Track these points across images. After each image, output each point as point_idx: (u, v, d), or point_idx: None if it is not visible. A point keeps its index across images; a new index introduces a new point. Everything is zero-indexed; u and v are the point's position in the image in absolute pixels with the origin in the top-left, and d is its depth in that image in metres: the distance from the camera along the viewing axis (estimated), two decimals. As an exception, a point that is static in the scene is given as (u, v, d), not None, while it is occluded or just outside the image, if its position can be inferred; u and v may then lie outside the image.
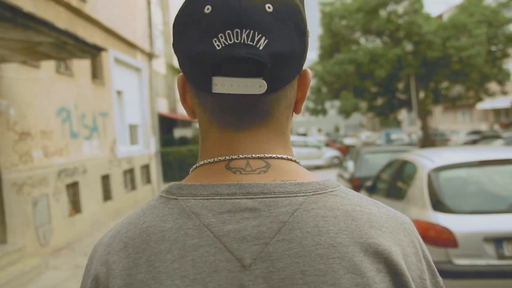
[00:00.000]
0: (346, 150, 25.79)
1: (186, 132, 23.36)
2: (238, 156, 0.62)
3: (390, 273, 0.58)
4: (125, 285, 0.57)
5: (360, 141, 40.84)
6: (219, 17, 0.58)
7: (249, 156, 0.62)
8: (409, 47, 25.18)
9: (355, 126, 64.10)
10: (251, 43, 0.57)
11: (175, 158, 18.38)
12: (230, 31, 0.57)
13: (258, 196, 0.59)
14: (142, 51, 12.40)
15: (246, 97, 0.60)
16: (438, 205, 3.71)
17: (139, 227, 0.61)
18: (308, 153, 21.62)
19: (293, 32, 0.61)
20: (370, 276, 0.56)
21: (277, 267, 0.55)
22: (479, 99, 28.03)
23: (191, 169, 0.69)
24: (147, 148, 12.24)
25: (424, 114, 27.54)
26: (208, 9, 0.58)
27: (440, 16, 32.95)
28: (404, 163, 4.86)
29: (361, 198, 0.65)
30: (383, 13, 26.11)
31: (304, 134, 59.64)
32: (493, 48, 25.39)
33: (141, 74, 12.41)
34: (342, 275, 0.55)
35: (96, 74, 9.52)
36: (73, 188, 7.81)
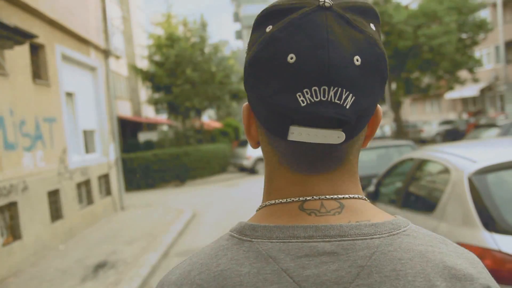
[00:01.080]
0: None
1: (152, 136, 21.93)
2: (312, 198, 0.60)
3: None
4: None
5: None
6: (305, 70, 0.54)
7: (323, 197, 0.60)
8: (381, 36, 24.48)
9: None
10: (338, 102, 0.54)
11: (140, 164, 17.01)
12: (317, 88, 0.54)
13: (335, 239, 0.57)
14: (97, 47, 11.02)
15: (321, 144, 0.58)
16: (491, 222, 2.68)
17: (213, 270, 0.59)
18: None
19: (377, 82, 0.58)
20: None
21: None
22: (450, 88, 27.75)
23: (258, 207, 0.66)
24: (105, 156, 10.89)
25: (396, 106, 27.02)
26: (291, 58, 0.54)
27: (409, 6, 32.56)
28: (424, 163, 3.83)
29: (430, 236, 0.63)
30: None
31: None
32: (463, 35, 25.07)
33: (96, 73, 11.04)
34: None
35: (39, 73, 8.15)
36: (9, 211, 6.46)
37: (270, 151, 0.63)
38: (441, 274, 0.58)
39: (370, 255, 0.56)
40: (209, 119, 38.68)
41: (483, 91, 34.70)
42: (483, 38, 25.99)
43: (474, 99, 37.42)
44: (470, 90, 34.03)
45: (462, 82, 26.75)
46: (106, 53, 11.57)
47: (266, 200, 0.65)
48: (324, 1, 0.56)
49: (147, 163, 17.12)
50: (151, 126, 28.79)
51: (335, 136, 0.56)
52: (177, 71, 19.91)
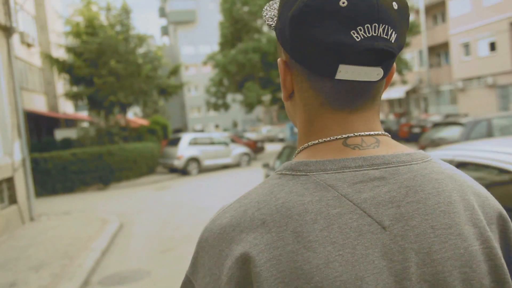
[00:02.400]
0: (254, 146, 23.89)
1: (70, 133, 19.55)
2: (353, 134, 0.68)
3: (498, 224, 0.70)
4: (273, 258, 0.59)
5: (262, 136, 39.55)
6: (357, 11, 0.62)
7: (362, 133, 0.68)
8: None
9: (253, 121, 63.19)
10: (386, 37, 0.63)
11: (56, 165, 14.87)
12: (369, 25, 0.62)
13: (382, 167, 0.65)
14: (-5, 24, 9.02)
15: (360, 82, 0.66)
16: None
17: (274, 204, 0.63)
18: (214, 151, 19.25)
19: (405, 27, 0.68)
20: (482, 226, 0.66)
21: (411, 225, 0.62)
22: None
23: (300, 148, 0.73)
24: (8, 156, 8.92)
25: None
26: (343, 3, 0.62)
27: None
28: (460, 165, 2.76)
29: (446, 163, 0.74)
30: None
31: (202, 131, 57.25)
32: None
33: (-4, 56, 9.04)
34: (463, 226, 0.64)
35: None
36: None
37: (312, 95, 0.70)
38: (468, 190, 0.69)
39: (413, 177, 0.66)
40: (134, 116, 36.28)
41: (408, 93, 35.76)
42: (408, 42, 26.43)
43: (400, 101, 38.51)
44: (396, 92, 34.87)
45: (392, 84, 27.02)
46: (7, 30, 9.54)
47: (306, 141, 0.72)
48: None
49: (65, 163, 15.02)
50: (70, 122, 26.16)
51: (375, 74, 0.65)
52: (99, 62, 17.85)
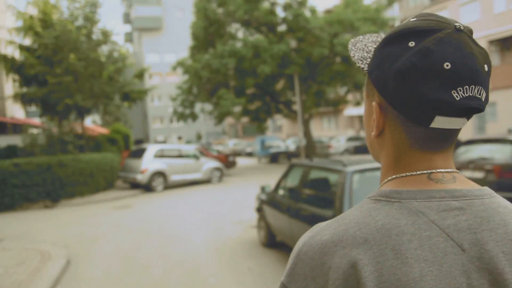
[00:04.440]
0: (225, 160, 21.90)
1: (17, 140, 16.89)
2: (436, 170, 0.80)
3: None
4: (376, 270, 0.69)
5: (228, 149, 37.58)
6: (459, 74, 0.72)
7: (443, 170, 0.80)
8: (293, 43, 22.47)
9: (218, 134, 61.14)
10: (479, 96, 0.74)
11: (-7, 177, 12.40)
12: (467, 86, 0.72)
13: (460, 199, 0.77)
14: None
15: (448, 129, 0.78)
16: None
17: (374, 225, 0.74)
18: (183, 165, 17.15)
19: (489, 84, 0.78)
20: None
21: (485, 249, 0.72)
22: (358, 103, 26.76)
23: (387, 179, 0.84)
24: None
25: (306, 119, 25.17)
26: (447, 65, 0.72)
27: (326, 12, 31.29)
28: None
29: (506, 200, 0.83)
30: (266, 4, 23.04)
31: (164, 142, 54.63)
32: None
33: None
34: None
35: None
36: None
37: (403, 137, 0.80)
38: None
39: (485, 209, 0.76)
40: (93, 124, 33.50)
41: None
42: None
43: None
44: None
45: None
46: None
47: (393, 173, 0.83)
48: (460, 25, 0.75)
49: (4, 175, 12.55)
50: (20, 129, 23.35)
51: (461, 123, 0.76)
52: (55, 59, 15.51)
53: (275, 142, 31.25)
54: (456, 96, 0.72)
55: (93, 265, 6.63)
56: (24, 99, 17.21)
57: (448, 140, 0.80)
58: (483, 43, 26.10)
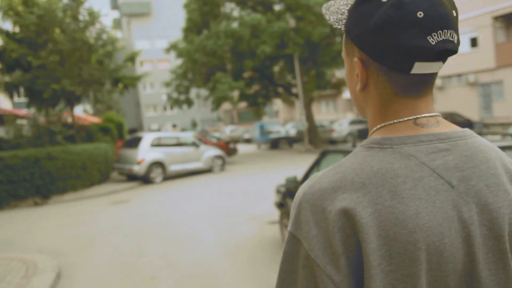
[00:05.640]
0: (226, 147, 20.79)
1: (1, 133, 15.57)
2: (421, 116, 0.85)
3: None
4: (376, 211, 0.75)
5: (226, 136, 36.44)
6: (432, 21, 0.77)
7: (426, 115, 0.85)
8: (291, 22, 21.24)
9: (213, 121, 59.89)
10: (452, 39, 0.79)
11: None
12: (440, 31, 0.78)
13: (446, 141, 0.83)
14: None
15: (426, 74, 0.83)
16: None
17: (369, 170, 0.79)
18: (182, 153, 16.03)
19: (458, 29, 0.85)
20: None
21: (471, 184, 0.80)
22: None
23: (375, 128, 0.88)
24: None
25: (308, 102, 24.02)
26: (420, 14, 0.77)
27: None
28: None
29: (486, 140, 0.91)
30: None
31: (158, 130, 53.32)
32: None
33: None
34: (506, 184, 0.83)
35: None
36: None
37: (387, 86, 0.85)
38: (505, 159, 0.88)
39: (468, 149, 0.83)
40: (84, 113, 32.13)
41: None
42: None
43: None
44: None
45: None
46: None
47: (381, 122, 0.88)
48: None
49: (-14, 171, 11.38)
50: (5, 119, 22.01)
51: (438, 66, 0.81)
52: (38, 41, 14.22)
53: (274, 127, 30.14)
54: (432, 41, 0.77)
55: (89, 279, 5.55)
56: (7, 88, 15.95)
57: (427, 84, 0.85)
58: (488, 19, 25.02)
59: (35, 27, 14.17)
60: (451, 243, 0.77)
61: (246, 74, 24.79)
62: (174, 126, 57.74)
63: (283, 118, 50.81)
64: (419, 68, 0.80)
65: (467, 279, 0.79)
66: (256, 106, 26.88)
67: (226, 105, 54.20)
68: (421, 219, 0.75)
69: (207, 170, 16.84)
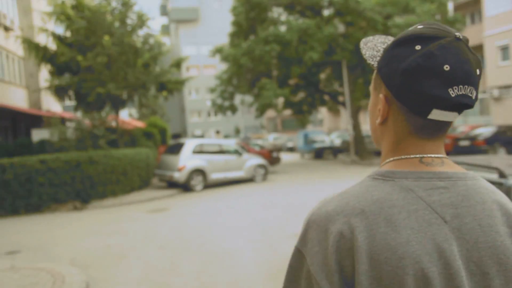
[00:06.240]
0: (269, 156, 20.24)
1: (46, 134, 15.72)
2: (427, 155, 0.91)
3: None
4: (370, 236, 0.81)
5: (269, 144, 35.87)
6: (456, 75, 0.84)
7: (433, 155, 0.91)
8: (341, 27, 20.50)
9: (256, 128, 59.57)
10: (470, 95, 0.85)
11: (18, 175, 11.24)
12: (462, 86, 0.84)
13: (445, 180, 0.88)
14: None
15: (442, 121, 0.89)
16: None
17: (370, 199, 0.85)
18: (224, 161, 15.61)
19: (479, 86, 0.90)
20: (509, 231, 0.89)
21: (464, 222, 0.85)
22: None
23: (386, 161, 0.95)
24: None
25: (355, 112, 23.14)
26: (447, 67, 0.83)
27: None
28: None
29: (489, 183, 0.96)
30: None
31: (201, 136, 53.54)
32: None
33: None
34: (500, 227, 0.87)
35: None
36: None
37: (404, 126, 0.91)
38: (505, 203, 0.92)
39: (467, 189, 0.88)
40: (130, 117, 32.52)
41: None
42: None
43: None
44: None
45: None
46: None
47: (391, 156, 0.94)
48: (459, 35, 0.87)
49: (30, 173, 11.37)
50: (51, 122, 22.46)
51: (453, 116, 0.87)
52: (87, 43, 14.24)
53: (319, 136, 29.31)
54: (452, 93, 0.84)
55: (117, 298, 5.11)
56: (58, 91, 16.15)
57: (441, 130, 0.91)
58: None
59: (84, 30, 14.22)
60: (440, 272, 0.81)
61: (292, 81, 24.23)
62: (217, 132, 57.82)
63: (327, 127, 49.71)
64: (436, 115, 0.87)
65: None
66: (301, 114, 26.22)
67: (269, 113, 53.68)
68: (411, 247, 0.81)
69: (249, 180, 16.32)
